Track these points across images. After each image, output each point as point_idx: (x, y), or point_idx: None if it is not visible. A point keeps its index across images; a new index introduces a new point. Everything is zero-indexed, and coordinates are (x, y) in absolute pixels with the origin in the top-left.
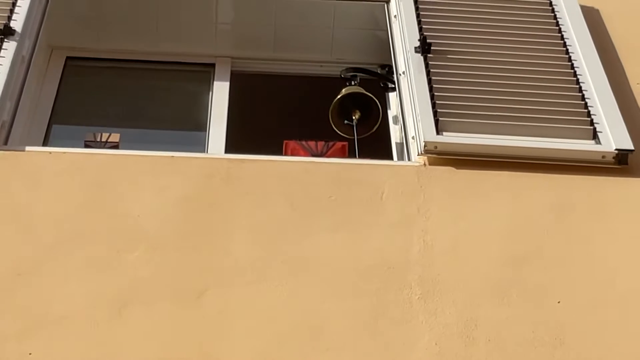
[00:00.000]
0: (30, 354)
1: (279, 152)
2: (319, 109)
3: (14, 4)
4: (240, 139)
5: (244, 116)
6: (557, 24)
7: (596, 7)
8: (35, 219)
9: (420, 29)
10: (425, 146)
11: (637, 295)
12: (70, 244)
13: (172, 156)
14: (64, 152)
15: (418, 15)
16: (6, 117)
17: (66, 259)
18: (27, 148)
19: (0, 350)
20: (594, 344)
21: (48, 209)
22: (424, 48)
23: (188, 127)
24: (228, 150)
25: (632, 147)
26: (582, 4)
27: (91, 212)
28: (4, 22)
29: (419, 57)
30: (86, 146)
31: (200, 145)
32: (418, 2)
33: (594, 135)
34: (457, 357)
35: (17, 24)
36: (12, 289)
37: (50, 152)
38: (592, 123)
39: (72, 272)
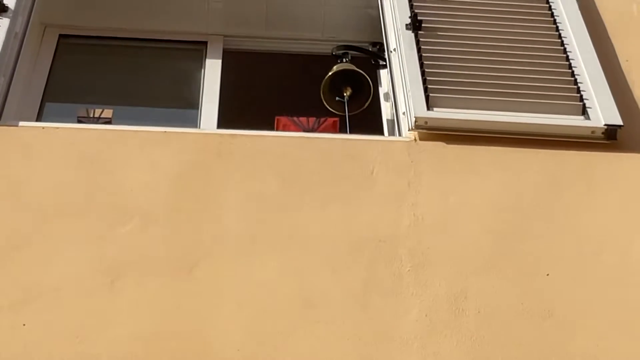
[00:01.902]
0: (24, 324)
1: (270, 129)
2: (310, 86)
3: None
4: (233, 117)
5: (236, 94)
6: (547, 1)
7: None
8: (29, 193)
9: (411, 6)
10: (415, 122)
11: (624, 269)
12: (64, 217)
13: (165, 131)
14: (57, 128)
15: None
16: None
17: (59, 232)
18: (21, 123)
19: None
20: (582, 315)
21: (41, 183)
22: (415, 25)
23: (180, 105)
24: (220, 127)
25: (621, 123)
26: None
27: (84, 186)
28: None
29: (410, 34)
30: (79, 122)
31: (193, 122)
32: None
33: (584, 111)
34: (447, 328)
35: (10, 1)
36: (6, 261)
37: (43, 127)
38: (581, 99)
39: (65, 245)
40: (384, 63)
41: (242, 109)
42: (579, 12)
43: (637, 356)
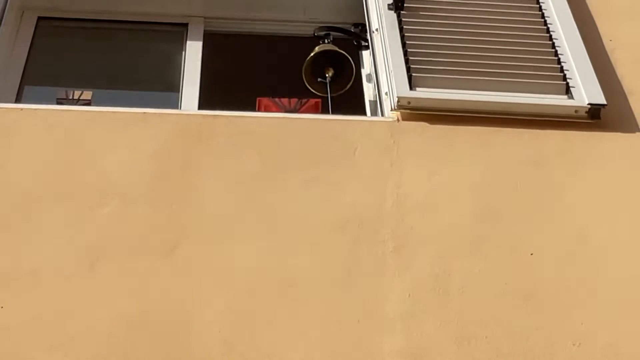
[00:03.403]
0: (1, 307)
1: (252, 110)
2: (292, 68)
3: None
4: (214, 99)
5: (217, 77)
6: None
7: None
8: (7, 175)
9: None
10: (398, 102)
11: (608, 248)
12: (42, 199)
13: (145, 112)
14: (36, 109)
15: None
16: None
17: (38, 214)
18: (0, 104)
19: None
20: (565, 295)
21: (19, 165)
22: (397, 5)
23: (161, 88)
24: (201, 109)
25: (604, 102)
26: None
27: (63, 168)
28: None
29: (392, 14)
30: (58, 104)
31: (174, 105)
32: None
33: (567, 90)
34: (430, 308)
35: None
36: None
37: (21, 109)
38: (565, 78)
39: (44, 227)
40: (366, 44)
41: (224, 90)
42: None
43: (622, 335)
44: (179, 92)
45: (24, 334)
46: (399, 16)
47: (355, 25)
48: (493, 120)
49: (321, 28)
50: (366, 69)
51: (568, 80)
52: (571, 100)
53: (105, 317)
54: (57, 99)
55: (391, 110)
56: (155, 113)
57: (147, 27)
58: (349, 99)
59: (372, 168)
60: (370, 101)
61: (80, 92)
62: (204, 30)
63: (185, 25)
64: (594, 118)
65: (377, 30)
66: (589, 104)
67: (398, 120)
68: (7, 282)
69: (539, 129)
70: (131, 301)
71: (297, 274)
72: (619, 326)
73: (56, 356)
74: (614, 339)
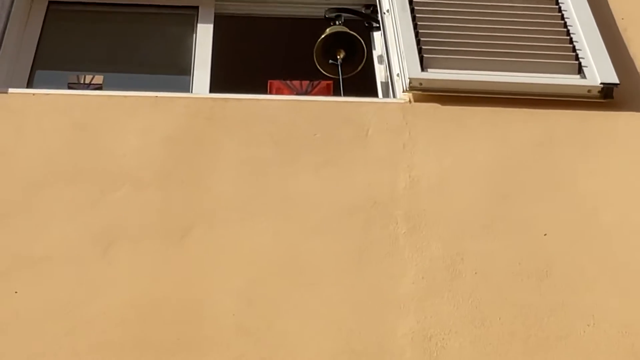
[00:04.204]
0: (16, 292)
1: (263, 92)
2: (303, 50)
3: None
4: (225, 82)
5: (228, 59)
6: None
7: None
8: (19, 160)
9: None
10: (410, 83)
11: (620, 227)
12: (55, 184)
13: (156, 96)
14: (47, 94)
15: None
16: None
17: (50, 199)
18: (10, 90)
19: None
20: (579, 275)
21: (31, 150)
22: None
23: (172, 72)
24: (212, 92)
25: (617, 81)
26: None
27: (75, 152)
28: None
29: None
30: (69, 88)
31: (185, 89)
32: None
33: (579, 70)
34: (443, 290)
35: None
36: None
37: (33, 94)
38: (577, 58)
39: (56, 212)
40: (377, 25)
41: (235, 73)
42: None
43: (633, 314)
44: (190, 75)
45: (38, 319)
46: None
47: (367, 6)
48: (505, 100)
49: (332, 10)
50: (377, 51)
51: (580, 59)
52: (583, 80)
53: (119, 301)
54: (69, 83)
55: (403, 91)
56: (166, 97)
57: (158, 10)
58: (360, 81)
59: (384, 150)
60: (381, 83)
61: (91, 76)
62: (215, 13)
63: (196, 8)
64: (606, 98)
65: (388, 11)
66: (601, 83)
67: (410, 101)
68: (21, 267)
69: (551, 109)
70: (144, 285)
71: (310, 256)
72: (634, 306)
73: (71, 341)
74: (629, 319)
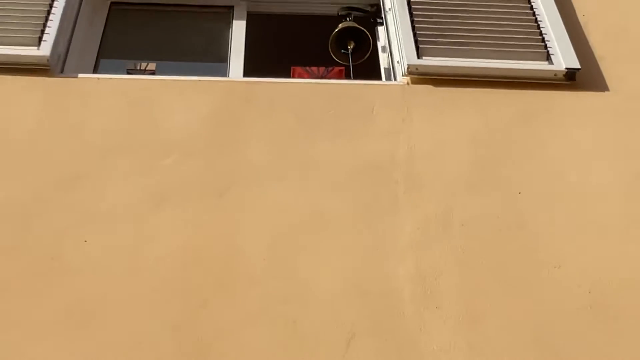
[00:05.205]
0: (85, 240)
1: (287, 76)
2: (320, 41)
3: None
4: (256, 68)
5: (258, 49)
6: None
7: None
8: (87, 133)
9: None
10: (408, 68)
11: (583, 186)
12: (117, 152)
13: (199, 80)
14: (110, 78)
15: None
16: (61, 50)
17: (113, 164)
18: (79, 75)
19: (62, 237)
20: (548, 226)
21: (97, 125)
22: None
23: (212, 60)
24: (246, 76)
25: (578, 66)
26: None
27: (132, 126)
28: None
29: None
30: (128, 73)
31: (223, 74)
32: None
33: (548, 57)
34: (436, 239)
35: None
36: (70, 189)
37: (98, 79)
38: (546, 47)
39: (117, 175)
40: (381, 21)
41: (264, 61)
42: None
43: (595, 258)
44: (227, 62)
45: (104, 263)
46: None
47: (372, 5)
48: (487, 82)
49: (343, 8)
50: (381, 42)
51: (549, 48)
52: (551, 65)
53: (168, 249)
54: (127, 69)
55: (402, 75)
56: (207, 80)
57: (200, 9)
58: (367, 67)
59: (386, 124)
60: (384, 68)
61: (146, 63)
62: (247, 11)
63: (232, 7)
64: (570, 80)
65: (390, 9)
66: (565, 68)
67: (408, 84)
68: (89, 220)
69: (525, 89)
70: (189, 235)
71: (326, 210)
72: (594, 250)
73: (130, 280)
74: (589, 262)
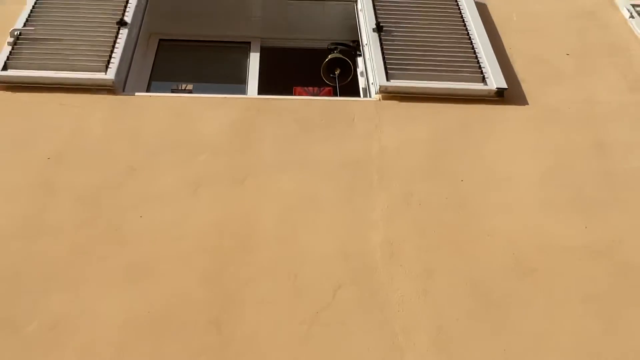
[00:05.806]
0: (141, 216)
1: (291, 94)
2: (314, 68)
3: (126, 3)
4: (267, 88)
5: (269, 74)
6: (461, 14)
7: (483, 2)
8: (142, 137)
9: (376, 17)
10: (380, 88)
11: (510, 176)
12: (164, 151)
13: (225, 97)
14: (159, 96)
15: (374, 8)
16: (122, 74)
17: (160, 160)
18: (136, 93)
19: (123, 213)
20: (484, 204)
21: (149, 130)
22: (379, 28)
23: (234, 82)
24: (259, 94)
25: (506, 86)
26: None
27: (175, 132)
28: (120, 16)
29: (375, 35)
30: (172, 92)
31: (242, 92)
32: (375, 2)
33: (483, 79)
34: (400, 213)
35: (128, 17)
36: (130, 177)
37: (150, 96)
38: (482, 72)
39: (164, 168)
40: (360, 53)
41: (273, 83)
42: (480, 18)
43: (518, 229)
44: (245, 84)
45: (154, 233)
46: (379, 36)
47: (353, 41)
48: (438, 99)
49: (332, 44)
50: (360, 68)
51: (484, 73)
52: (485, 86)
53: (202, 223)
54: (172, 89)
55: (375, 93)
56: (230, 97)
57: (225, 44)
58: (349, 87)
59: (364, 129)
60: (362, 88)
61: (185, 85)
62: (261, 46)
63: (249, 42)
64: (499, 97)
65: (366, 44)
66: (496, 87)
67: (380, 100)
68: (144, 201)
69: (466, 104)
70: (218, 213)
71: (319, 195)
72: (517, 224)
73: (175, 246)
74: (514, 232)
